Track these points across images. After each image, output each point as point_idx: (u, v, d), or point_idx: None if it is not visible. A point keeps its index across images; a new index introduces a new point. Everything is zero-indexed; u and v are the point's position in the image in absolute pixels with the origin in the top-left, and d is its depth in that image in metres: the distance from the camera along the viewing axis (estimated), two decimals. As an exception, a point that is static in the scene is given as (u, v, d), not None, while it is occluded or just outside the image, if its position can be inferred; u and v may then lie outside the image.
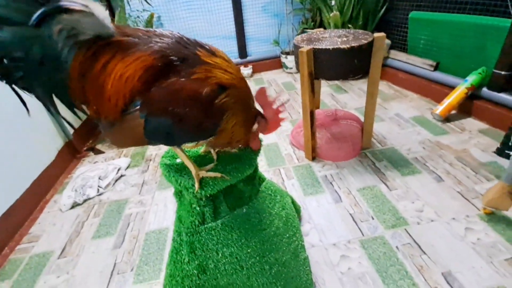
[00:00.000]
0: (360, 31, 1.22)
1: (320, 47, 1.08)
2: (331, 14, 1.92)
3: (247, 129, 0.59)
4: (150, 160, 1.60)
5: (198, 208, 0.61)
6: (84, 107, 0.47)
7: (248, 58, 2.73)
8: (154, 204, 1.27)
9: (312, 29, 2.42)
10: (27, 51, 0.40)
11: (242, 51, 2.69)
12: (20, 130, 1.33)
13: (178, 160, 0.65)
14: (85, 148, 1.77)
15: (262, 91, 0.61)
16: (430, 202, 1.09)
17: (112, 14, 2.16)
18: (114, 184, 1.44)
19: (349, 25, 1.98)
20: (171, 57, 0.45)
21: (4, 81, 0.42)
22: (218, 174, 0.59)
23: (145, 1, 1.93)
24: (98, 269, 1.01)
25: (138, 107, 0.45)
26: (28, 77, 0.42)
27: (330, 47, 1.06)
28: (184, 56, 0.46)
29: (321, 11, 2.24)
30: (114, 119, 0.46)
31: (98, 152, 1.75)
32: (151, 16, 1.76)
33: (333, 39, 1.18)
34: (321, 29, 1.35)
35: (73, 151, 1.70)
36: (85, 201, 1.35)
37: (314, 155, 1.41)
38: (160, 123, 0.45)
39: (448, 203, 1.07)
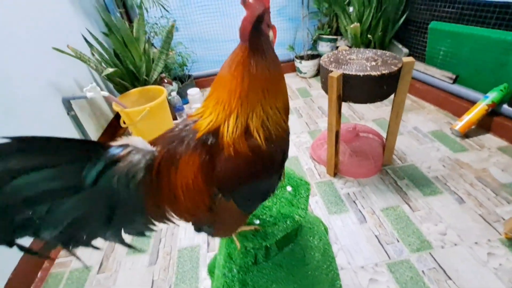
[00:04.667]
0: (388, 53, 1.23)
1: (350, 73, 1.10)
2: (351, 26, 1.91)
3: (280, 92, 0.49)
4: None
5: (252, 251, 0.65)
6: (169, 217, 0.48)
7: (262, 62, 2.73)
8: (182, 219, 1.32)
9: (328, 35, 2.41)
10: (89, 211, 0.39)
11: (256, 55, 2.68)
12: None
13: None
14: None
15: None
16: (452, 225, 1.13)
17: (130, 21, 2.16)
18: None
19: (369, 35, 1.97)
20: (206, 142, 0.45)
21: (71, 247, 0.41)
22: (251, 227, 0.62)
23: (163, 8, 1.92)
24: (138, 285, 1.06)
25: (219, 196, 0.46)
26: (93, 233, 0.41)
27: (361, 74, 1.08)
28: (201, 139, 0.45)
29: (338, 17, 2.22)
30: (208, 218, 0.49)
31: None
32: (172, 26, 1.76)
33: (361, 61, 1.19)
34: (346, 48, 1.36)
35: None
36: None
37: (336, 171, 1.44)
38: (241, 192, 0.47)
39: (470, 226, 1.11)
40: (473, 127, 1.60)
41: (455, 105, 1.77)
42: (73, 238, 0.40)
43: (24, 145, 0.34)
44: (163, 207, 0.46)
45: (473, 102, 1.63)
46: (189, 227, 1.27)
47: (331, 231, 1.16)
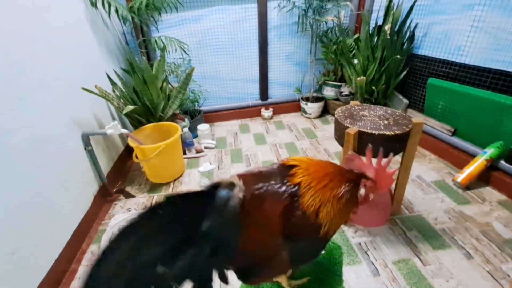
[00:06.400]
0: (398, 112, 1.34)
1: (365, 131, 1.18)
2: (358, 79, 2.07)
3: (347, 212, 0.65)
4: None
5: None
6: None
7: (269, 101, 2.86)
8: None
9: (333, 81, 2.57)
10: (199, 261, 0.45)
11: (264, 94, 2.82)
12: (60, 176, 1.34)
13: None
14: (114, 190, 1.81)
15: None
16: (463, 282, 1.15)
17: (148, 59, 2.28)
18: (150, 236, 1.47)
19: (373, 87, 2.12)
20: (288, 198, 0.53)
21: None
22: (305, 280, 0.66)
23: (184, 52, 2.05)
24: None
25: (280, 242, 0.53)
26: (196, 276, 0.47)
27: (376, 133, 1.16)
28: (291, 193, 0.54)
29: (343, 66, 2.40)
30: (264, 259, 0.54)
31: (128, 195, 1.79)
32: (192, 69, 1.88)
33: (373, 119, 1.29)
34: (358, 103, 1.47)
35: (105, 194, 1.73)
36: (123, 254, 1.37)
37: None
38: (297, 246, 0.54)
39: (480, 284, 1.14)
40: (473, 180, 1.69)
41: (455, 156, 1.87)
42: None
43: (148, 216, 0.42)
44: (245, 247, 0.50)
45: (472, 155, 1.73)
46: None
47: (345, 284, 1.17)
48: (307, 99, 2.71)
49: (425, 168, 1.89)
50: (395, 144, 1.20)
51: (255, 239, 0.51)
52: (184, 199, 0.44)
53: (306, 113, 2.76)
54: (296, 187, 0.56)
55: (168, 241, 0.42)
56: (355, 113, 1.36)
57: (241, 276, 0.55)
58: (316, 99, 2.72)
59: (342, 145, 1.29)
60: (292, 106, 2.91)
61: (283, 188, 0.55)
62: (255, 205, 0.51)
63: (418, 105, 2.22)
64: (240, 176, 0.54)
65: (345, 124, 1.24)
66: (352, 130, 1.20)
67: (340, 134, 1.31)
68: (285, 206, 0.52)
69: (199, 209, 0.44)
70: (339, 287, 0.79)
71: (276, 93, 2.87)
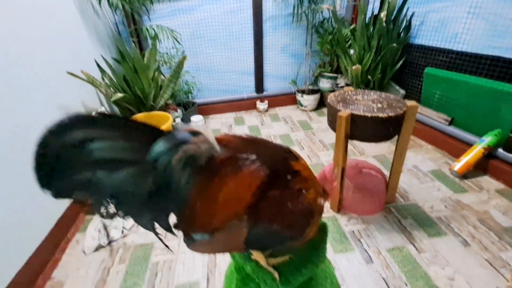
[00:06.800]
0: (392, 96, 1.30)
1: (358, 114, 1.14)
2: (353, 67, 2.03)
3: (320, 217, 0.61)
4: (173, 199, 1.59)
5: (267, 295, 0.62)
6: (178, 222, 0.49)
7: (264, 93, 2.82)
8: (181, 252, 1.26)
9: (329, 73, 2.53)
10: (138, 187, 0.42)
11: (259, 87, 2.78)
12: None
13: None
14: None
15: (327, 178, 0.64)
16: (460, 270, 1.11)
17: (141, 49, 2.24)
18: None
19: (368, 76, 2.08)
20: (275, 172, 0.48)
21: (105, 215, 0.44)
22: (286, 258, 0.61)
23: (176, 41, 2.01)
24: (130, 327, 0.98)
25: (245, 218, 0.47)
26: (133, 209, 0.44)
27: (369, 115, 1.12)
28: (283, 168, 0.50)
29: (339, 57, 2.36)
30: (214, 232, 0.48)
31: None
32: (184, 58, 1.84)
33: (367, 102, 1.25)
34: (351, 88, 1.43)
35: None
36: (109, 243, 1.33)
37: (339, 207, 1.43)
38: (265, 231, 0.48)
39: (478, 272, 1.09)
40: (470, 168, 1.65)
41: (452, 146, 1.83)
42: (116, 206, 0.43)
43: (109, 120, 0.40)
44: (197, 206, 0.46)
45: (469, 144, 1.69)
46: (186, 260, 1.21)
47: (337, 271, 1.13)
48: (303, 92, 2.67)
49: (422, 158, 1.85)
50: (389, 127, 1.16)
51: (211, 205, 0.46)
52: (145, 127, 0.42)
53: (302, 105, 2.72)
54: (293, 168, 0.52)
55: (115, 149, 0.40)
56: (348, 97, 1.32)
57: (187, 239, 0.50)
58: (312, 92, 2.68)
59: (334, 130, 1.25)
60: (288, 99, 2.87)
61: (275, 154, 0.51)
62: (228, 169, 0.46)
63: (415, 95, 2.18)
64: (225, 137, 0.50)
65: (337, 108, 1.20)
66: (344, 113, 1.16)
67: (332, 119, 1.27)
68: (267, 178, 0.47)
69: (151, 139, 0.41)
70: (322, 265, 0.74)
71: (272, 86, 2.83)
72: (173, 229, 0.48)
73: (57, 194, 0.40)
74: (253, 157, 0.48)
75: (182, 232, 0.51)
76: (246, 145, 0.51)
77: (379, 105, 1.21)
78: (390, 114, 1.12)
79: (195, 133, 0.44)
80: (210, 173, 0.45)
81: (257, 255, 0.60)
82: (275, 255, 0.62)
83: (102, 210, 0.43)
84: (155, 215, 0.46)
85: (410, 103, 1.18)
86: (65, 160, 0.38)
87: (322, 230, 0.68)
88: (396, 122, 1.16)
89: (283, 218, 0.48)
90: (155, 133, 0.42)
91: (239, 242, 0.49)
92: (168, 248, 0.55)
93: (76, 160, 0.39)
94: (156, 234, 0.47)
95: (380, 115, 1.12)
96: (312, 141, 2.18)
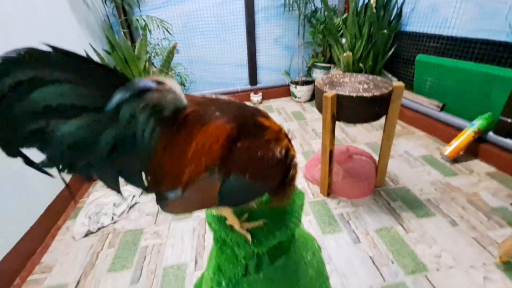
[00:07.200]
0: (379, 78, 1.30)
1: (343, 94, 1.14)
2: (344, 54, 2.03)
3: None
4: (164, 187, 1.60)
5: (243, 261, 0.62)
6: (148, 180, 0.47)
7: (258, 86, 2.82)
8: (170, 236, 1.26)
9: (322, 63, 2.53)
10: (98, 138, 0.38)
11: (253, 79, 2.78)
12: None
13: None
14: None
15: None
16: (447, 248, 1.11)
17: (132, 40, 2.24)
18: (128, 211, 1.44)
19: (360, 64, 2.08)
20: (243, 125, 0.48)
21: (65, 171, 0.41)
22: (260, 222, 0.61)
23: (166, 31, 2.01)
24: (116, 307, 0.98)
25: (215, 170, 0.46)
26: (95, 164, 0.41)
27: (354, 95, 1.12)
28: (251, 122, 0.50)
29: (332, 47, 2.36)
30: (186, 187, 0.47)
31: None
32: (173, 47, 1.84)
33: (354, 84, 1.25)
34: (340, 72, 1.43)
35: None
36: (99, 229, 1.33)
37: (329, 191, 1.43)
38: (237, 183, 0.47)
39: (465, 250, 1.10)
40: (461, 152, 1.65)
41: (443, 131, 1.83)
42: (73, 160, 0.40)
43: (67, 58, 0.36)
44: (163, 160, 0.45)
45: (460, 129, 1.69)
46: (175, 243, 1.21)
47: (324, 251, 1.13)
48: (296, 83, 2.67)
49: (413, 144, 1.85)
50: (375, 107, 1.16)
51: (180, 159, 0.45)
52: (109, 72, 0.39)
53: (296, 96, 2.72)
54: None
55: (72, 94, 0.36)
56: (336, 80, 1.32)
57: (160, 199, 0.50)
58: (305, 83, 2.68)
59: (321, 112, 1.25)
60: (282, 90, 2.87)
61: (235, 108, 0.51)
62: (195, 122, 0.46)
63: (407, 83, 2.17)
64: (188, 95, 0.49)
65: (324, 90, 1.20)
66: (330, 93, 1.16)
67: (320, 102, 1.27)
68: (236, 129, 0.46)
69: (115, 87, 0.37)
70: (302, 238, 0.75)
71: (266, 78, 2.82)
72: (146, 187, 0.47)
73: (5, 147, 0.36)
74: (219, 112, 0.48)
75: (154, 192, 0.50)
76: (211, 101, 0.51)
77: (365, 86, 1.21)
78: (375, 94, 1.12)
79: (159, 82, 0.42)
80: (176, 125, 0.45)
81: (232, 220, 0.60)
82: (250, 220, 0.62)
83: (61, 164, 0.40)
84: (120, 171, 0.45)
85: (397, 83, 1.18)
86: (9, 104, 0.34)
87: (299, 197, 0.68)
88: (382, 102, 1.16)
89: (254, 168, 0.47)
90: (120, 80, 0.39)
91: (213, 196, 0.48)
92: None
93: (24, 105, 0.35)
94: (119, 192, 0.46)
95: (365, 94, 1.12)
96: (305, 130, 2.17)
